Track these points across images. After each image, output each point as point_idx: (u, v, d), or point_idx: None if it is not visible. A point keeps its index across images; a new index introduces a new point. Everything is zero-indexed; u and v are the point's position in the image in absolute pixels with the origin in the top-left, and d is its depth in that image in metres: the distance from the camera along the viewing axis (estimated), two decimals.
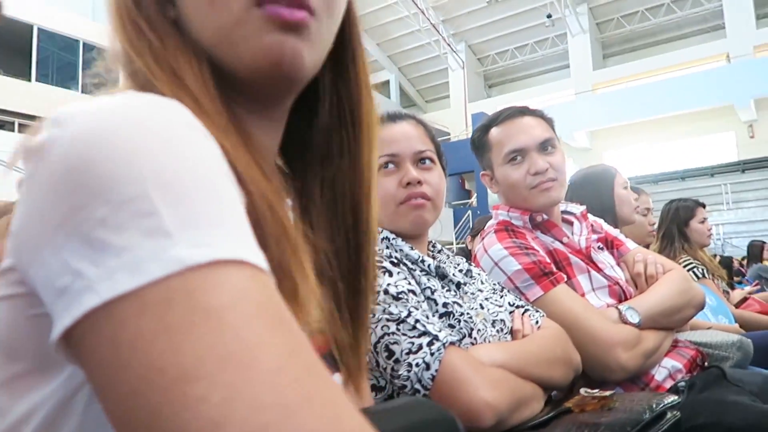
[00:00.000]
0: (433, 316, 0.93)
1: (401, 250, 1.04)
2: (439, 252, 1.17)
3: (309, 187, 0.57)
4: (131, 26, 0.46)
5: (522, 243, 1.31)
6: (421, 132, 1.11)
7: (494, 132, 1.43)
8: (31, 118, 7.87)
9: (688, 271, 2.60)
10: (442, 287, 1.02)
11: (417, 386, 0.84)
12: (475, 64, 23.21)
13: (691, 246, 2.82)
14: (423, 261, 1.03)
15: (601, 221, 1.57)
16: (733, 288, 4.85)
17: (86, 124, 0.34)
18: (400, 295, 0.90)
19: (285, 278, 0.41)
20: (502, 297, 1.14)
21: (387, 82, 24.04)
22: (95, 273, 0.30)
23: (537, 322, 1.11)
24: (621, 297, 1.34)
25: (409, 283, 0.94)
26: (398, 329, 0.87)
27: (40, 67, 13.53)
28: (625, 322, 1.21)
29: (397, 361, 0.86)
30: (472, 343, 0.95)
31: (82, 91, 12.84)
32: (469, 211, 15.43)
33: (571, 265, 1.34)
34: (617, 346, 1.14)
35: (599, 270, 1.36)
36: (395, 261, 0.98)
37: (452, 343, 0.87)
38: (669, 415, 0.94)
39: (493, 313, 1.05)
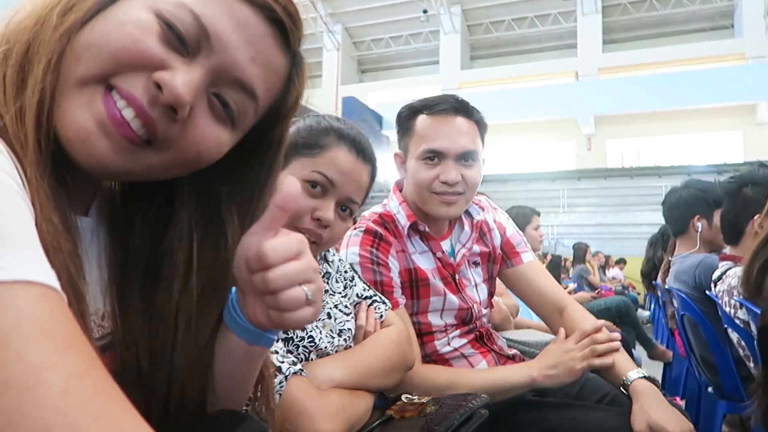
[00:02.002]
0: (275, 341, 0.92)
1: None
2: None
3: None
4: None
5: (378, 257, 1.30)
6: (365, 182, 1.04)
7: (421, 120, 1.35)
8: None
9: None
10: None
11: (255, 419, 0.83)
12: (350, 48, 23.24)
13: None
14: None
15: (507, 225, 1.53)
16: (560, 284, 5.41)
17: None
18: None
19: (74, 295, 0.41)
20: (351, 288, 1.15)
21: None
22: None
23: (381, 317, 1.14)
24: (466, 320, 1.41)
25: None
26: None
27: None
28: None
29: None
30: None
31: None
32: None
33: (428, 286, 1.35)
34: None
35: (457, 291, 1.39)
36: None
37: (295, 373, 0.86)
38: (477, 414, 1.05)
39: (341, 322, 1.05)
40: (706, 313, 2.03)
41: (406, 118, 1.38)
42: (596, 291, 6.06)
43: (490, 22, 21.46)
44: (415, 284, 1.35)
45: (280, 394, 0.83)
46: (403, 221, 1.37)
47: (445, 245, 1.43)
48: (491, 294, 1.53)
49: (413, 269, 1.35)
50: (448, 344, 1.39)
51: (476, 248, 1.46)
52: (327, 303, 1.07)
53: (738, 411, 2.03)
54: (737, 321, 1.67)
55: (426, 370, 1.25)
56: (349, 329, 1.06)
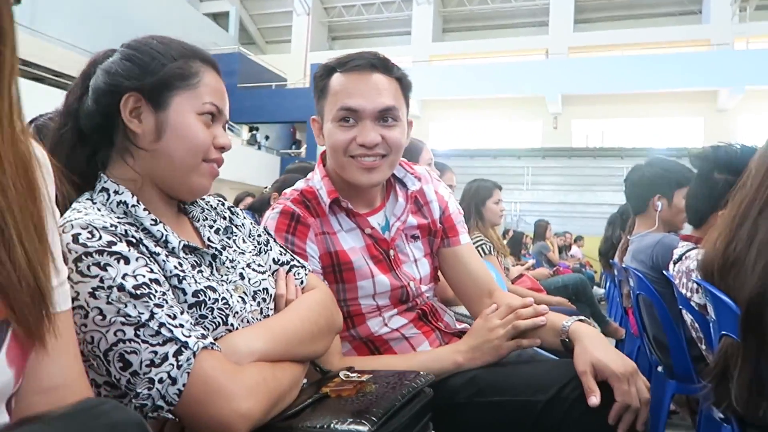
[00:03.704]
0: (182, 308, 0.80)
1: (140, 223, 0.85)
2: (192, 203, 1.02)
3: None
4: None
5: (294, 245, 1.21)
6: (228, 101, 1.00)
7: (335, 79, 1.24)
8: None
9: (477, 247, 2.82)
10: (194, 267, 0.88)
11: (160, 403, 0.72)
12: (321, 13, 22.72)
13: (484, 224, 3.07)
14: (167, 241, 0.86)
15: (449, 200, 1.44)
16: (519, 260, 5.45)
17: None
18: (140, 290, 0.74)
19: None
20: (266, 253, 1.07)
21: (226, 14, 22.55)
22: None
23: (302, 282, 1.07)
24: (402, 299, 1.32)
25: (151, 271, 0.78)
26: (137, 335, 0.73)
27: None
28: None
29: (135, 374, 0.72)
30: (229, 330, 0.86)
31: None
32: (297, 161, 15.31)
33: (353, 270, 1.26)
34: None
35: (389, 270, 1.30)
36: (133, 241, 0.79)
37: (205, 347, 0.76)
38: (422, 394, 0.98)
39: (255, 282, 0.96)
40: (662, 293, 2.01)
41: (321, 78, 1.27)
42: (554, 268, 6.14)
43: None
44: (338, 268, 1.25)
45: (189, 373, 0.73)
46: (323, 200, 1.27)
47: (378, 219, 1.33)
48: (435, 268, 1.43)
49: (335, 252, 1.25)
50: (385, 325, 1.30)
51: (413, 220, 1.36)
52: (238, 263, 0.97)
53: (686, 391, 2.03)
54: (693, 303, 1.64)
55: (347, 363, 1.17)
56: (265, 289, 0.97)
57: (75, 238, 0.74)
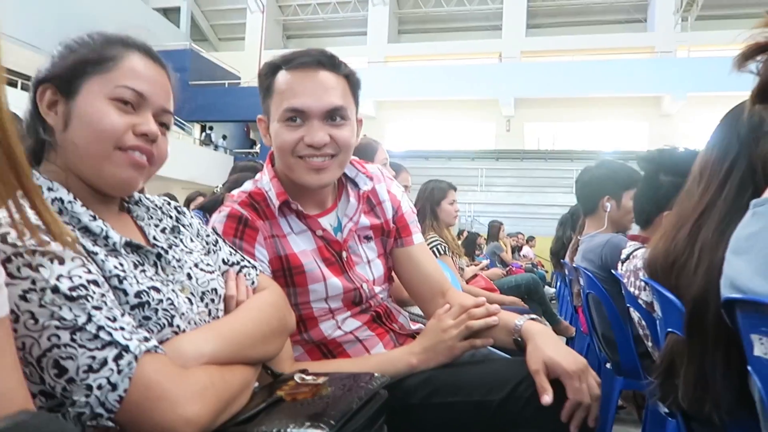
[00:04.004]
0: (124, 309, 0.76)
1: (78, 220, 0.80)
2: (137, 203, 0.96)
3: None
4: None
5: (241, 249, 1.17)
6: (169, 87, 0.93)
7: (281, 77, 1.19)
8: None
9: (432, 248, 2.84)
10: (136, 266, 0.83)
11: (99, 410, 0.67)
12: (275, 11, 22.47)
13: (439, 224, 3.09)
14: (107, 237, 0.81)
15: (402, 199, 1.42)
16: (473, 260, 5.52)
17: None
18: (76, 292, 0.69)
19: None
20: (215, 253, 1.03)
21: (177, 9, 22.02)
22: None
23: (253, 283, 1.04)
24: (356, 301, 1.30)
25: (89, 271, 0.72)
26: (74, 340, 0.68)
27: None
28: None
29: (71, 380, 0.67)
30: (175, 332, 0.82)
31: None
32: (246, 160, 15.10)
33: (304, 273, 1.23)
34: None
35: (341, 272, 1.28)
36: (68, 240, 0.74)
37: (148, 351, 0.72)
38: (377, 396, 0.97)
39: (203, 282, 0.92)
40: (610, 291, 2.07)
41: (266, 76, 1.22)
42: (507, 268, 6.25)
43: None
44: (288, 272, 1.22)
45: (130, 378, 0.69)
46: (272, 201, 1.23)
47: (330, 220, 1.30)
48: (389, 269, 1.41)
49: (285, 256, 1.22)
50: (339, 328, 1.28)
51: (365, 221, 1.33)
52: (185, 262, 0.93)
53: (633, 387, 2.10)
54: (640, 301, 1.69)
55: (299, 367, 1.15)
56: (213, 290, 0.94)
57: (3, 238, 0.68)
